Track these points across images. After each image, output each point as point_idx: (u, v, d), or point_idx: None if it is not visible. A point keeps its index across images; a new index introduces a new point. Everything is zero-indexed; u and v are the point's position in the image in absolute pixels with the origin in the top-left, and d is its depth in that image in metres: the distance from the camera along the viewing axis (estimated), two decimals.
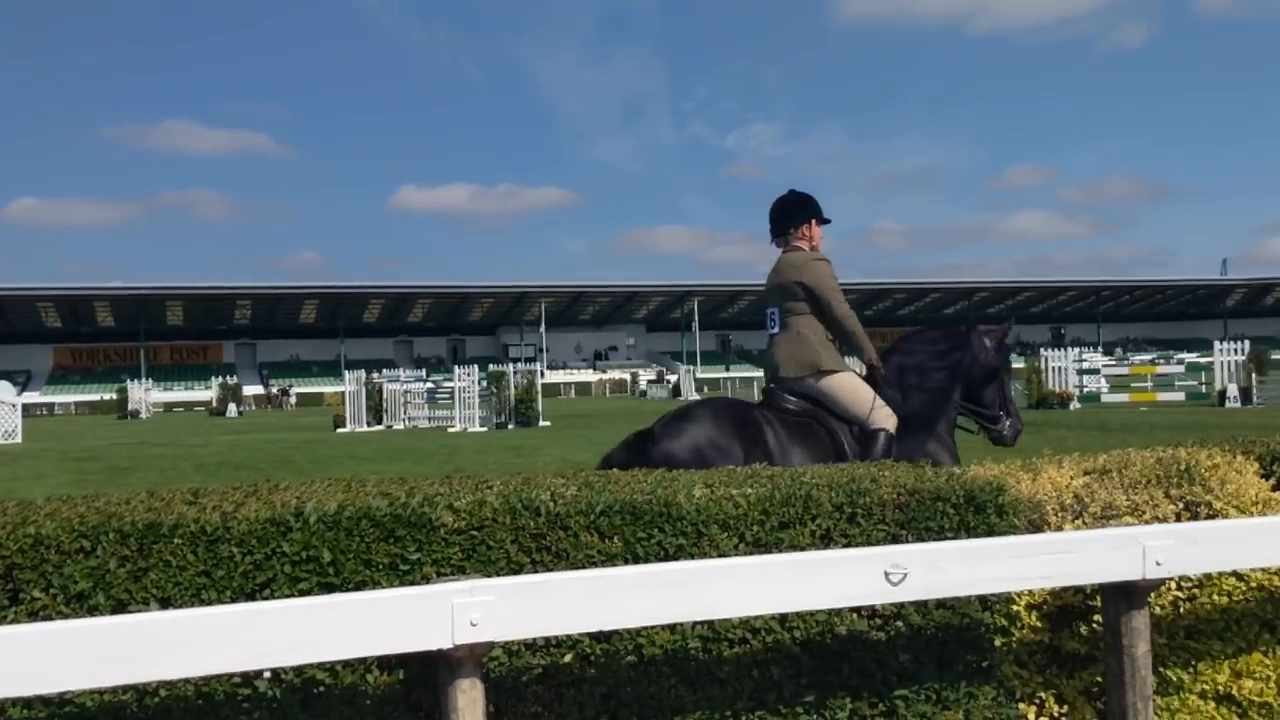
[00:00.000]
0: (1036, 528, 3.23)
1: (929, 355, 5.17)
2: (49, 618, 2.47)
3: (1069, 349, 33.74)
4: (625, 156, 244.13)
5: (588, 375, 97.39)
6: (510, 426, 30.31)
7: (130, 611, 2.50)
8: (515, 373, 32.26)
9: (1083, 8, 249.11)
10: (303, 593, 2.60)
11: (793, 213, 5.20)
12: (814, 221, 5.19)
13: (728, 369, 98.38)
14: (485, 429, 29.95)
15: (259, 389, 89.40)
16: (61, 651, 2.22)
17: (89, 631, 2.25)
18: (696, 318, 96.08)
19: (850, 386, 4.91)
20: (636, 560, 2.85)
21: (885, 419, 4.84)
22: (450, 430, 30.03)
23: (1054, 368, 31.22)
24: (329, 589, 2.62)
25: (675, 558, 2.88)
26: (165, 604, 2.54)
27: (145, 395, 57.56)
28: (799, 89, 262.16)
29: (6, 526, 2.53)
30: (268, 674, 2.55)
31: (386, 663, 2.66)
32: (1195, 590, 3.32)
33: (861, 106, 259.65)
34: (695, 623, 2.86)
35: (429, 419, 33.42)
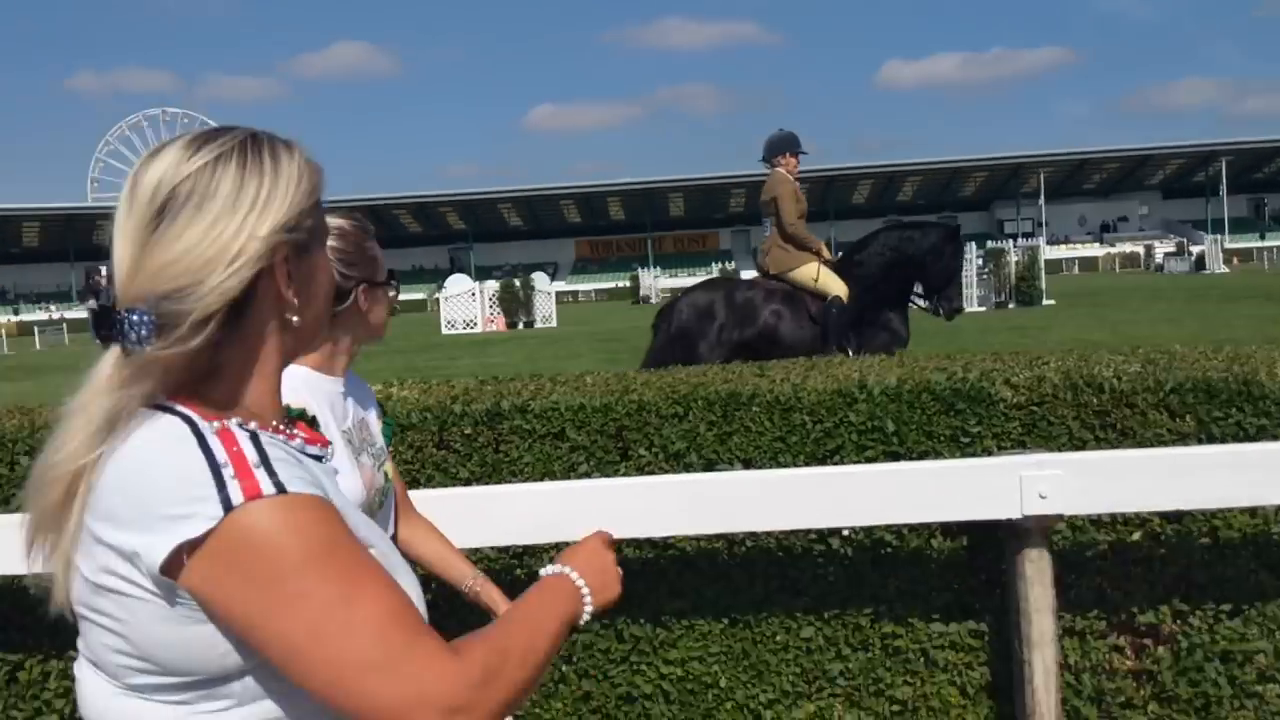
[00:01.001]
0: None
1: None
2: (651, 472, 2.84)
3: None
4: (1133, 3, 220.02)
5: (1093, 250, 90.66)
6: (1010, 306, 29.19)
7: (718, 469, 2.82)
8: (1014, 249, 30.88)
9: None
10: (868, 460, 2.77)
11: None
12: None
13: (1263, 237, 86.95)
14: (984, 309, 29.09)
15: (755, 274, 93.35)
16: (666, 502, 2.57)
17: (690, 485, 2.59)
18: (1224, 180, 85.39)
19: None
20: (1211, 440, 2.70)
21: None
22: None
23: None
24: (893, 457, 2.76)
25: (1255, 439, 2.69)
26: (747, 464, 2.83)
27: (654, 282, 62.30)
28: None
29: (614, 394, 2.94)
30: (845, 532, 2.76)
31: (949, 530, 2.77)
32: None
33: None
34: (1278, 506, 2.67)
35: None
